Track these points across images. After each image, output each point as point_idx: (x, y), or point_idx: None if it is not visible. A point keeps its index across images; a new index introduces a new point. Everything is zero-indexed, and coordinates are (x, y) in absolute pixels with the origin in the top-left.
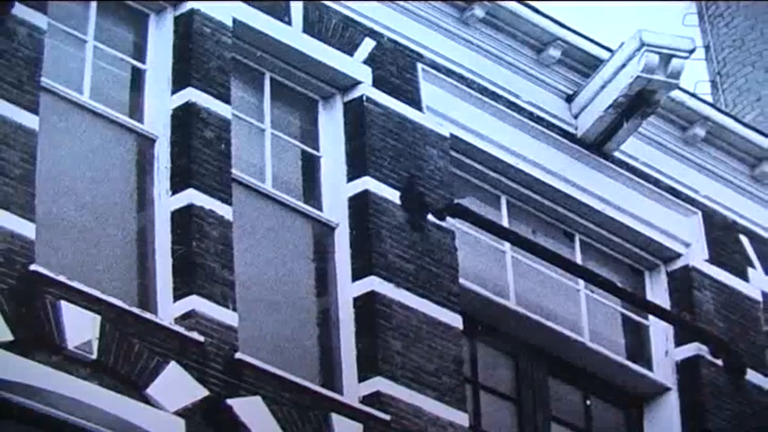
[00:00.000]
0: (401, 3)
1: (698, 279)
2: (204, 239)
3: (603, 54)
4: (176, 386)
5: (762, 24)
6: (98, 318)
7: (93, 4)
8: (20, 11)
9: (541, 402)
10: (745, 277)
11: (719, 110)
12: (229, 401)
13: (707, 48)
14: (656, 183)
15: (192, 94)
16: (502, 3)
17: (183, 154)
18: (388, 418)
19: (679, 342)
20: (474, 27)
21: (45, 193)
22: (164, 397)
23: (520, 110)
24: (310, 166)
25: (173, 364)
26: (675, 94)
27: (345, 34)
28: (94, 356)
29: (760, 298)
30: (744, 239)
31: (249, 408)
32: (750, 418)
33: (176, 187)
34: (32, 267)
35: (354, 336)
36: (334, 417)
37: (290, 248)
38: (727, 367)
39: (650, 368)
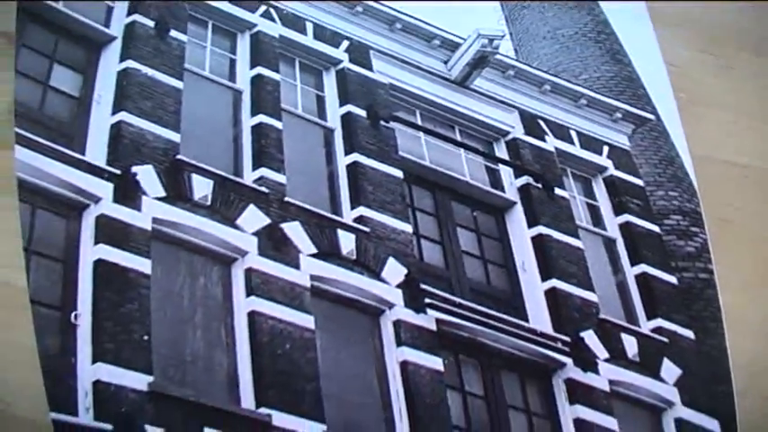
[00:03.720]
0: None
1: (520, 143)
2: (269, 138)
3: (460, 41)
4: (252, 218)
5: (536, 23)
6: (211, 182)
7: (210, 29)
8: (173, 33)
9: (449, 216)
10: (544, 139)
11: (520, 61)
12: (282, 225)
13: (511, 34)
14: (493, 98)
15: (259, 70)
16: (411, 21)
17: (259, 98)
18: (368, 230)
19: (517, 176)
20: (398, 33)
21: (185, 119)
22: (246, 225)
23: (423, 69)
24: (321, 101)
25: (251, 205)
26: (498, 57)
27: (326, 36)
28: (209, 203)
29: (554, 150)
30: (541, 122)
31: (292, 229)
32: (563, 220)
33: (254, 113)
34: (178, 157)
35: (348, 185)
36: (339, 231)
37: (312, 141)
38: (544, 188)
39: (504, 191)
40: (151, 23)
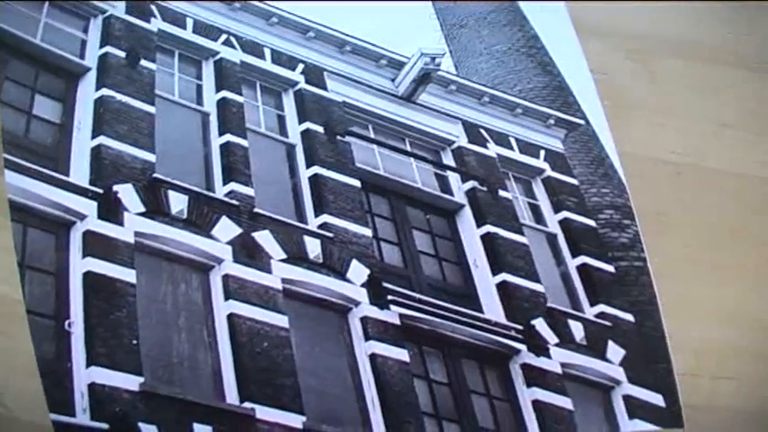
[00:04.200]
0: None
1: (465, 152)
2: (236, 155)
3: (405, 60)
4: (225, 228)
5: (473, 41)
6: (186, 197)
7: (177, 57)
8: (143, 63)
9: (405, 220)
10: (486, 146)
11: (461, 77)
12: (253, 234)
13: (451, 52)
14: (438, 111)
15: (224, 94)
16: (359, 43)
17: (225, 119)
18: (332, 235)
19: (463, 181)
20: (348, 55)
21: (159, 141)
22: (220, 235)
23: (372, 87)
24: (281, 120)
25: (224, 217)
26: (440, 73)
27: (283, 60)
28: (185, 217)
29: (495, 156)
30: (483, 131)
31: (263, 237)
32: (507, 219)
33: (222, 133)
34: (154, 175)
35: (311, 195)
36: (306, 237)
37: (275, 157)
38: (489, 191)
39: (453, 195)
40: (122, 54)
